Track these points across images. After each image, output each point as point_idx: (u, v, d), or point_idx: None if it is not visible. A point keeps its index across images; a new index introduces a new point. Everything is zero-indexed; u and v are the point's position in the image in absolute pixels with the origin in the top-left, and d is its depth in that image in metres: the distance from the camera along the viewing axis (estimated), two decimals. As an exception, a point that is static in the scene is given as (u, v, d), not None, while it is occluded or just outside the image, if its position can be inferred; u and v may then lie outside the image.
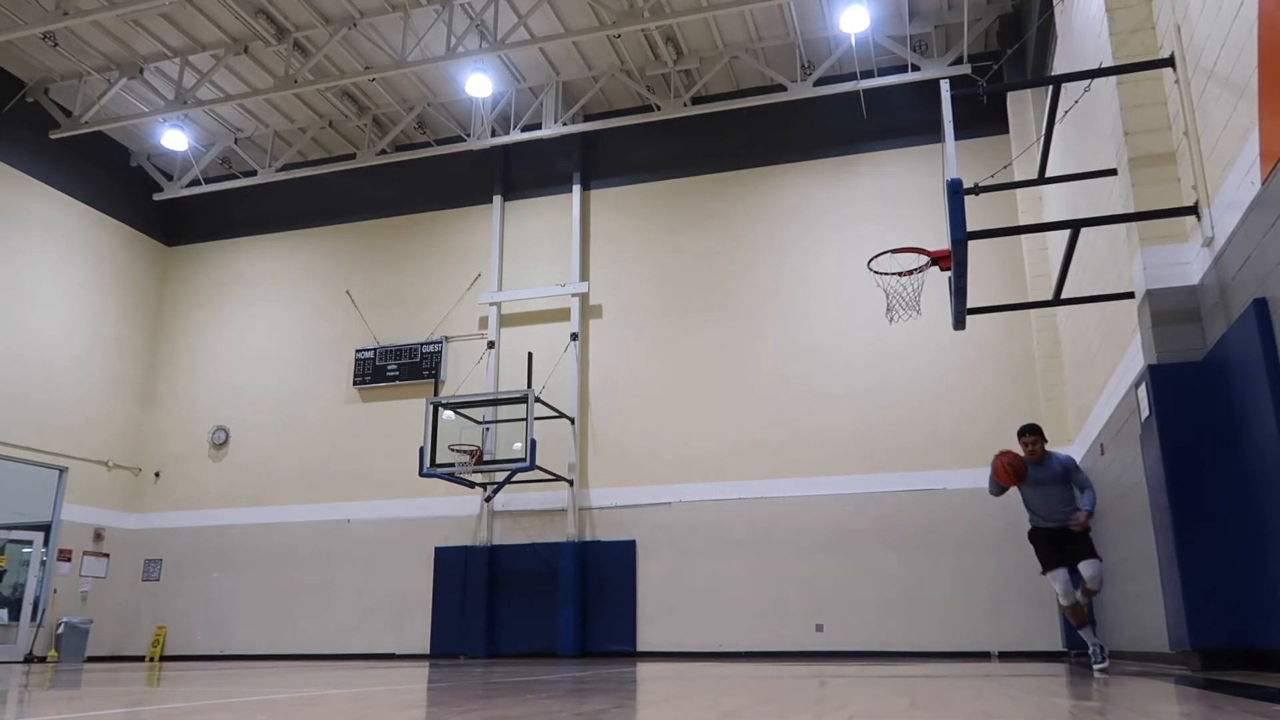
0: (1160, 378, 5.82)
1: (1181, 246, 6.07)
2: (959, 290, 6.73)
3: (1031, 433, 7.13)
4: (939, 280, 7.88)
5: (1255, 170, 4.92)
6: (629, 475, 13.90)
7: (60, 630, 14.25)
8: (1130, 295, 6.63)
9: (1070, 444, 11.34)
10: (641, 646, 13.11)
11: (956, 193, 6.04)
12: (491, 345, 14.97)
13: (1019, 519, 12.09)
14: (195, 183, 16.34)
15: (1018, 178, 10.24)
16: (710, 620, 12.84)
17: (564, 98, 14.90)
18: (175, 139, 15.63)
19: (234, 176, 16.36)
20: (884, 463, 12.84)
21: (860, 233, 13.13)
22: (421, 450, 12.97)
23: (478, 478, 13.44)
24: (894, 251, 8.07)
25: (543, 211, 15.51)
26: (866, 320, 12.31)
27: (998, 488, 7.02)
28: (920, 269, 8.02)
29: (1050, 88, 7.48)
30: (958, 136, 6.49)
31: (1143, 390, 6.03)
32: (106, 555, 15.55)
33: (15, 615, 14.25)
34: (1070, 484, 6.93)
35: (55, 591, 14.53)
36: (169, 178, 16.86)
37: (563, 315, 14.83)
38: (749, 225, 14.44)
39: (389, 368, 15.45)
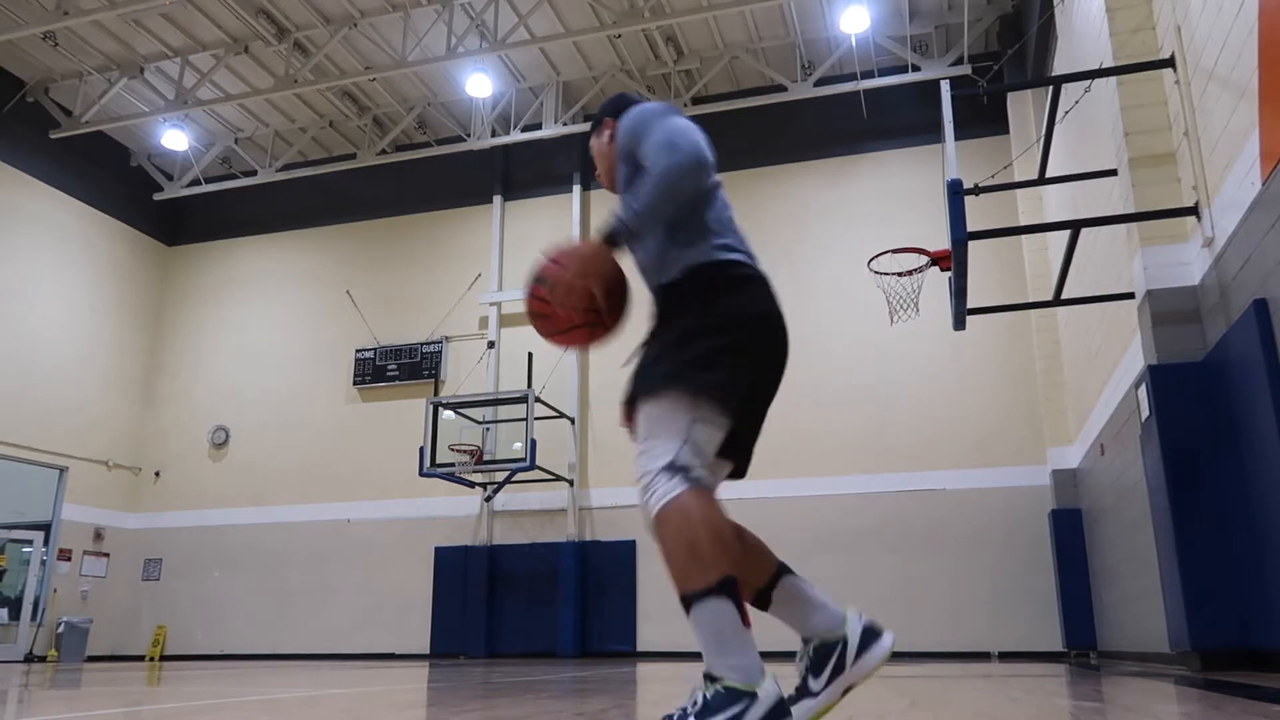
0: (1160, 378, 5.82)
1: (1181, 246, 6.07)
2: (959, 290, 6.73)
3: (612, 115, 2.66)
4: (939, 280, 7.90)
5: (1255, 170, 4.92)
6: (629, 475, 13.78)
7: (60, 630, 14.26)
8: (1130, 295, 6.63)
9: (1070, 444, 11.36)
10: (641, 646, 13.11)
11: (956, 193, 6.05)
12: (491, 345, 14.97)
13: (1020, 519, 12.20)
14: (195, 183, 16.35)
15: (1018, 178, 10.24)
16: (710, 620, 12.82)
17: (564, 98, 14.91)
18: (175, 139, 15.63)
19: (234, 176, 16.37)
20: (884, 463, 12.84)
21: (861, 233, 13.13)
22: (421, 450, 12.96)
23: (478, 478, 13.44)
24: (894, 252, 8.10)
25: (543, 211, 15.51)
26: (867, 320, 12.33)
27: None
28: (920, 269, 8.04)
29: (1050, 88, 7.48)
30: (958, 137, 6.50)
31: (1143, 390, 6.03)
32: (106, 555, 15.55)
33: (15, 615, 14.25)
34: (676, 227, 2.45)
35: (55, 591, 14.54)
36: (169, 178, 16.86)
37: (563, 315, 14.82)
38: (749, 225, 14.13)
39: (389, 368, 15.45)
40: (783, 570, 2.37)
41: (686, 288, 2.21)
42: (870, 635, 2.23)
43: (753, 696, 1.86)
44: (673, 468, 2.02)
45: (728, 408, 2.11)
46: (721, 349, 2.10)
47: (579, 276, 2.15)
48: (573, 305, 2.19)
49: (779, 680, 1.90)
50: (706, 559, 1.94)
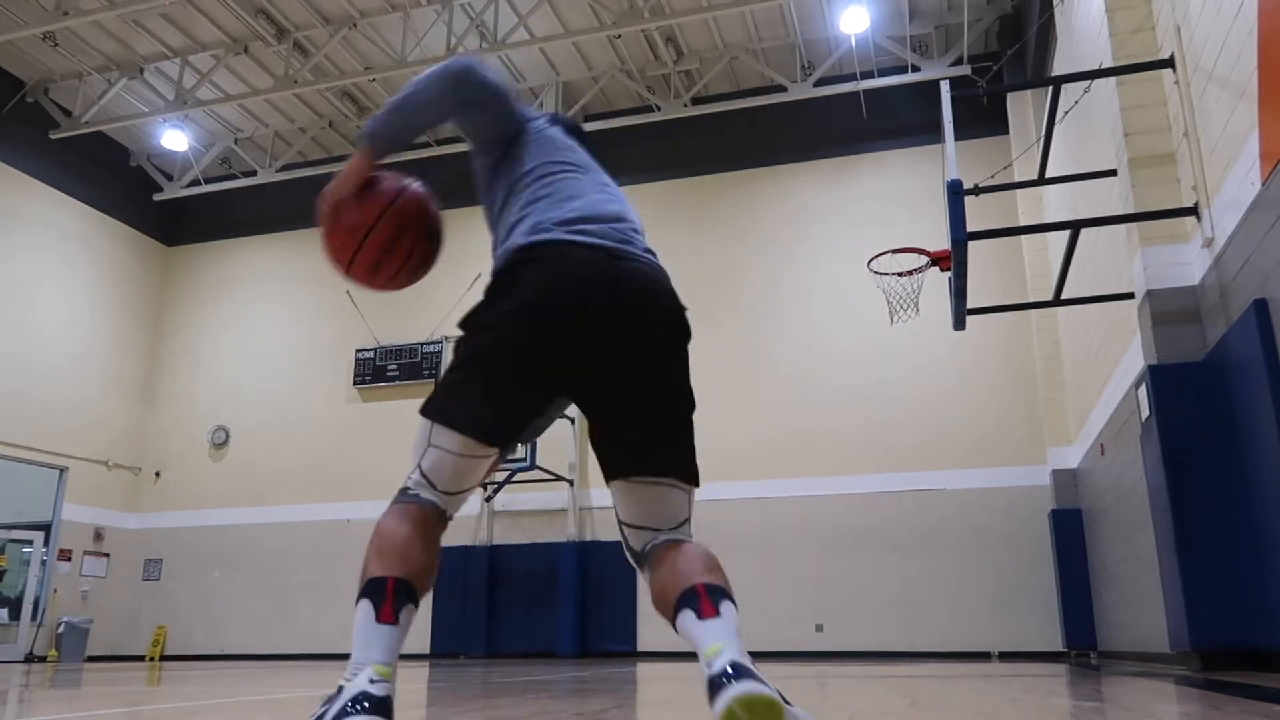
0: (1160, 378, 5.82)
1: (1181, 247, 6.08)
2: (959, 291, 6.73)
3: None
4: (939, 280, 7.90)
5: (1255, 170, 4.92)
6: (629, 475, 13.87)
7: (60, 630, 14.25)
8: (1130, 295, 6.63)
9: (1070, 444, 11.36)
10: (641, 646, 13.11)
11: (956, 193, 6.05)
12: (491, 345, 14.96)
13: (1020, 519, 12.20)
14: (195, 183, 16.35)
15: (1018, 178, 10.25)
16: (710, 620, 12.82)
17: (564, 98, 14.91)
18: (175, 139, 15.64)
19: (234, 176, 16.37)
20: (884, 463, 12.84)
21: (861, 233, 13.13)
22: (421, 450, 12.95)
23: (478, 478, 13.44)
24: (894, 252, 8.11)
25: (543, 211, 15.49)
26: (867, 320, 12.32)
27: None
28: (920, 269, 8.05)
29: (1050, 88, 7.48)
30: (958, 137, 6.50)
31: (1143, 390, 6.03)
32: (106, 555, 15.55)
33: (15, 615, 14.25)
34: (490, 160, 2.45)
35: (55, 591, 14.53)
36: (169, 178, 16.87)
37: (563, 315, 14.82)
38: (749, 226, 14.44)
39: (389, 368, 15.45)
40: (680, 603, 1.86)
41: None
42: (713, 687, 1.62)
43: (341, 690, 1.74)
44: (402, 490, 1.99)
45: (470, 433, 1.92)
46: (461, 367, 1.97)
47: (337, 180, 2.18)
48: (324, 207, 2.18)
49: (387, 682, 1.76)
50: (368, 566, 1.93)
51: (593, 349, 1.90)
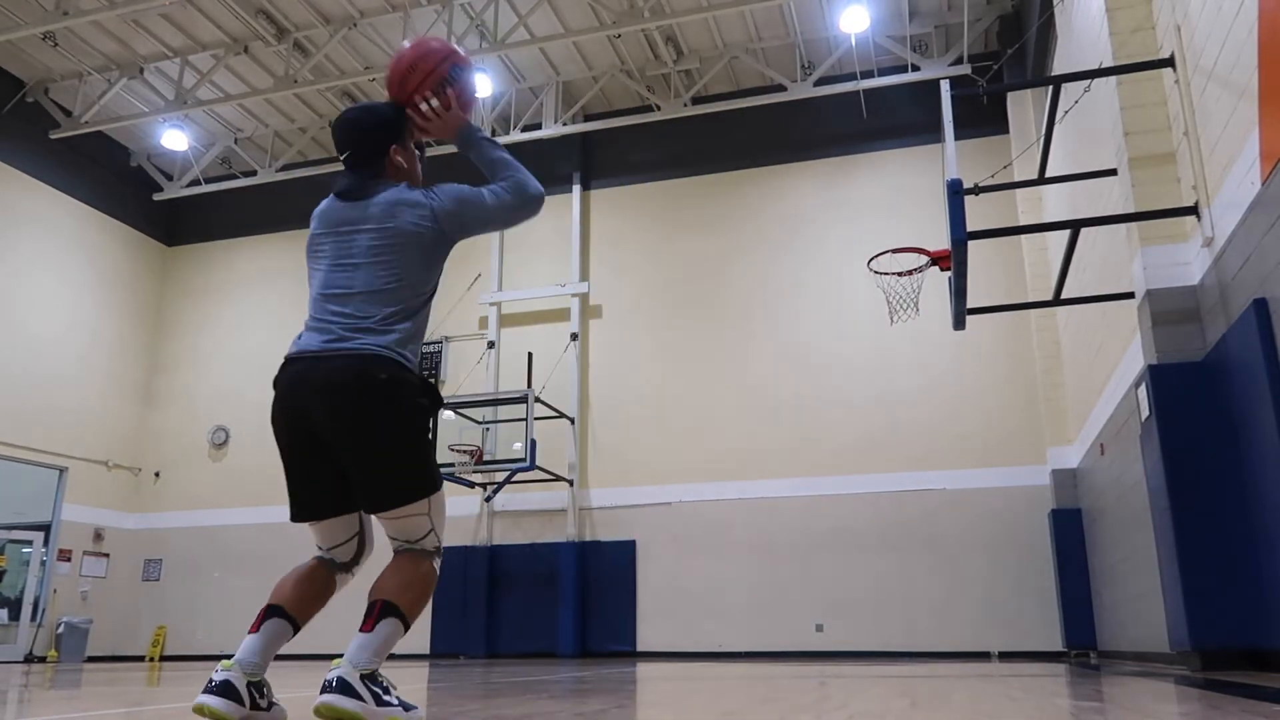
0: (1160, 378, 5.82)
1: (1181, 246, 6.07)
2: (959, 290, 6.72)
3: None
4: (939, 280, 7.89)
5: (1255, 170, 4.92)
6: (629, 475, 13.90)
7: (60, 630, 14.26)
8: (1130, 295, 6.63)
9: (1070, 444, 11.36)
10: (641, 646, 13.11)
11: (956, 193, 6.04)
12: (491, 345, 14.97)
13: (1020, 519, 12.20)
14: (195, 183, 16.35)
15: (1018, 178, 10.23)
16: (710, 620, 12.84)
17: (564, 98, 14.91)
18: (175, 139, 15.64)
19: (234, 176, 16.37)
20: (884, 463, 12.84)
21: (860, 233, 13.13)
22: (421, 450, 12.94)
23: (478, 478, 13.43)
24: (894, 251, 8.09)
25: (543, 211, 15.43)
26: (867, 320, 12.33)
27: None
28: (920, 269, 8.04)
29: (1050, 88, 7.48)
30: (958, 136, 6.49)
31: (1143, 390, 6.03)
32: (106, 555, 15.55)
33: (15, 615, 14.25)
34: None
35: (55, 591, 14.53)
36: (169, 178, 16.86)
37: (563, 315, 14.83)
38: (749, 225, 14.44)
39: (389, 368, 15.43)
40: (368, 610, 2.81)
41: None
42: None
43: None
44: None
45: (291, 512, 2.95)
46: None
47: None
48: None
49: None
50: None
51: (317, 437, 2.63)
